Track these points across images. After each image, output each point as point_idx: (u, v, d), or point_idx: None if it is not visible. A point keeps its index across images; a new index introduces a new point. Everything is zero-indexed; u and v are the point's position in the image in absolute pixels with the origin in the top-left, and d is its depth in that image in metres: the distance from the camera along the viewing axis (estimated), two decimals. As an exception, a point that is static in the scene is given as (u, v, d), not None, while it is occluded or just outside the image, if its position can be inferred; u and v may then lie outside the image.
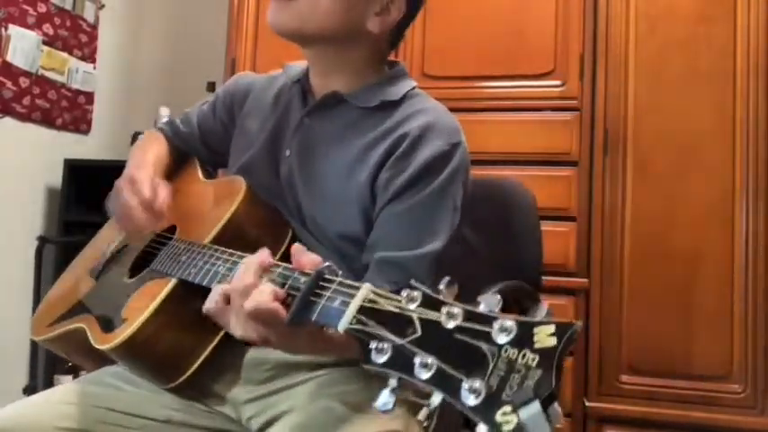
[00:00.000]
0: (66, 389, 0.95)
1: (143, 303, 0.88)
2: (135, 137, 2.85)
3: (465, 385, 0.47)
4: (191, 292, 0.85)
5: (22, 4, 2.46)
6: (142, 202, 0.94)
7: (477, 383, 0.46)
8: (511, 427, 0.44)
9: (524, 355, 0.46)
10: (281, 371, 0.92)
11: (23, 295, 2.38)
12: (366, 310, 0.57)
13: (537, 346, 0.46)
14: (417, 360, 0.50)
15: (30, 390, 2.42)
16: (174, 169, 1.16)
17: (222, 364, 0.92)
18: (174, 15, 3.14)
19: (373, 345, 0.53)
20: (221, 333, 0.89)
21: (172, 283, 0.87)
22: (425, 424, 0.50)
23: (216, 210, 0.96)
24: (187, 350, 0.88)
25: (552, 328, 0.46)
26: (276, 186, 0.99)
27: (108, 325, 0.91)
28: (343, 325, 0.57)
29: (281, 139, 1.03)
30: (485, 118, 2.12)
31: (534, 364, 0.45)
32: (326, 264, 0.65)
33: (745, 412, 1.91)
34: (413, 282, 0.55)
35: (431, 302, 0.53)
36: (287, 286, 0.66)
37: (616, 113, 2.06)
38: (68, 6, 2.69)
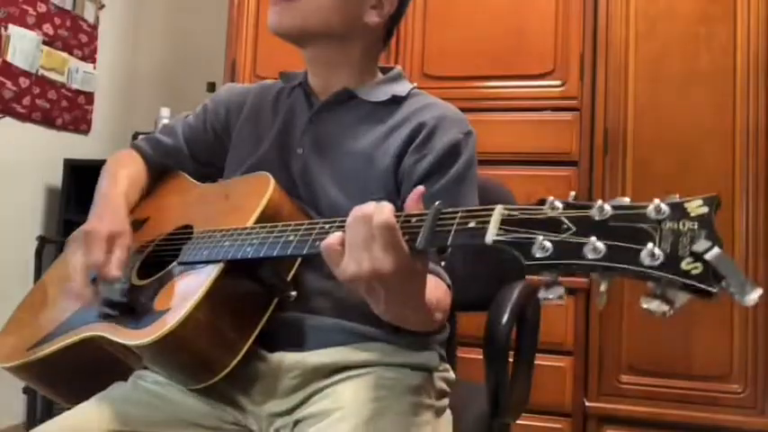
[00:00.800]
0: (100, 409, 0.89)
1: (185, 292, 0.84)
2: (135, 137, 2.84)
3: (644, 251, 0.51)
4: (235, 278, 0.84)
5: (22, 4, 2.46)
6: (91, 266, 0.91)
7: (654, 248, 0.51)
8: (699, 270, 0.49)
9: (684, 224, 0.52)
10: (308, 377, 0.89)
11: (23, 295, 2.37)
12: (508, 222, 0.60)
13: (692, 214, 0.52)
14: (585, 245, 0.54)
15: (30, 390, 2.42)
16: (157, 182, 1.14)
17: (247, 373, 0.89)
18: (174, 15, 3.14)
19: (536, 243, 0.56)
20: (261, 324, 0.86)
21: (220, 266, 0.84)
22: (602, 302, 0.56)
23: (245, 201, 0.93)
24: (228, 342, 0.84)
25: (700, 201, 0.52)
26: (289, 182, 1.00)
27: (137, 322, 0.86)
28: (490, 236, 0.59)
29: (290, 139, 1.04)
30: (485, 118, 2.12)
31: (696, 227, 0.51)
32: (438, 202, 0.66)
33: (745, 412, 1.91)
34: (547, 197, 0.59)
35: (575, 206, 0.58)
36: (403, 229, 0.66)
37: (616, 113, 2.07)
38: (68, 6, 2.69)
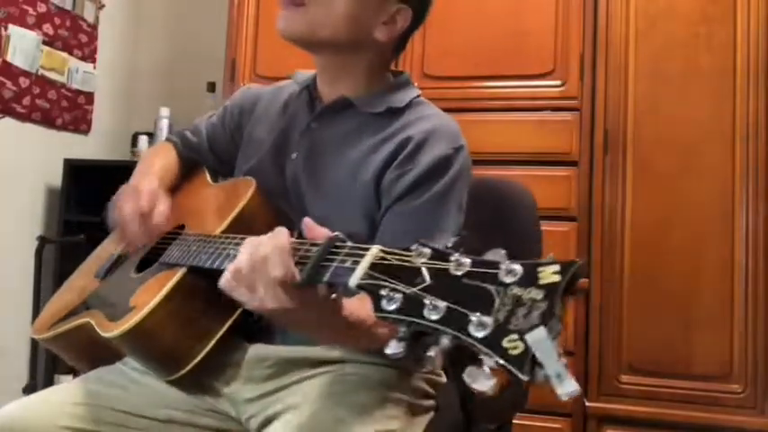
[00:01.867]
0: (68, 388, 0.96)
1: (152, 292, 0.89)
2: (135, 137, 2.85)
3: (473, 319, 0.49)
4: (200, 281, 0.88)
5: (22, 4, 2.46)
6: (140, 213, 0.97)
7: (485, 318, 0.49)
8: (518, 351, 0.46)
9: (530, 292, 0.48)
10: (282, 368, 0.93)
11: (23, 295, 2.38)
12: (377, 267, 0.59)
13: (541, 282, 0.49)
14: (427, 304, 0.52)
15: (30, 390, 2.41)
16: (184, 177, 1.19)
17: (224, 361, 0.93)
18: (174, 15, 3.14)
19: (384, 292, 0.55)
20: (228, 322, 0.90)
21: (181, 271, 0.89)
22: (435, 364, 0.52)
23: (225, 206, 0.97)
24: (193, 339, 0.89)
25: (557, 267, 0.49)
26: (281, 188, 1.01)
27: (114, 315, 0.91)
28: (354, 280, 0.59)
29: (288, 142, 1.05)
30: (485, 118, 2.12)
31: (539, 297, 0.48)
32: (336, 233, 0.67)
33: (745, 412, 1.91)
34: (422, 240, 0.57)
35: (440, 255, 0.56)
36: (299, 255, 0.68)
37: (616, 113, 2.06)
38: (68, 6, 2.69)
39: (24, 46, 2.47)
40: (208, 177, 1.17)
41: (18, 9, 2.45)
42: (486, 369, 0.48)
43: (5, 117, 2.43)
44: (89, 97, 2.84)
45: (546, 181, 2.07)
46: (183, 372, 0.89)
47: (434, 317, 0.51)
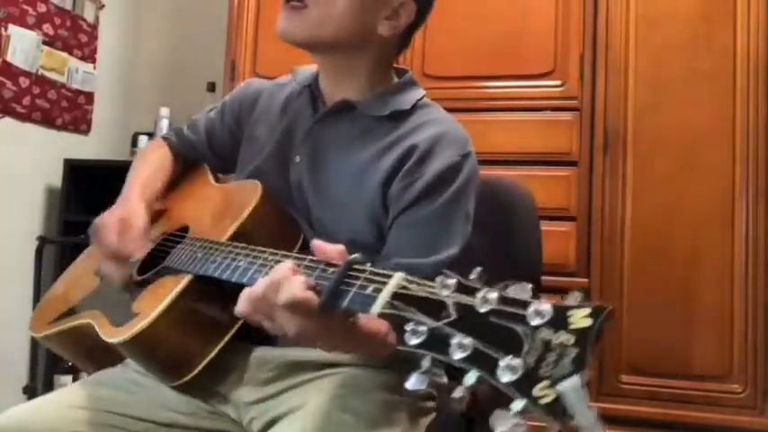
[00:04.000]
0: (72, 391, 0.95)
1: (157, 298, 0.88)
2: (135, 137, 2.85)
3: (502, 363, 0.48)
4: (205, 289, 0.87)
5: (22, 4, 2.46)
6: (111, 252, 0.97)
7: (515, 361, 0.47)
8: (549, 400, 0.45)
9: (559, 336, 0.47)
10: (285, 371, 0.92)
11: (23, 295, 2.38)
12: (399, 296, 0.58)
13: (572, 327, 0.47)
14: (453, 341, 0.51)
15: (30, 390, 2.42)
16: (183, 175, 1.18)
17: (227, 364, 0.93)
18: (174, 15, 3.14)
19: (409, 327, 0.54)
20: (232, 330, 0.89)
21: (187, 278, 0.88)
22: (460, 404, 0.51)
23: (231, 210, 0.96)
24: (198, 346, 0.89)
25: (587, 311, 0.47)
26: (286, 192, 1.00)
27: (118, 320, 0.91)
28: (376, 309, 0.58)
29: (290, 145, 1.03)
30: (485, 118, 2.12)
31: (570, 343, 0.47)
32: (355, 255, 0.66)
33: (745, 412, 1.91)
34: (446, 271, 0.56)
35: (465, 288, 0.54)
36: (314, 277, 0.67)
37: (616, 113, 2.06)
38: (68, 6, 2.68)
39: (24, 46, 2.47)
40: (210, 177, 1.16)
41: (18, 9, 2.45)
42: (513, 413, 0.47)
43: (5, 117, 2.43)
44: (89, 97, 2.84)
45: (546, 181, 2.07)
46: (186, 378, 0.88)
47: (461, 355, 0.50)
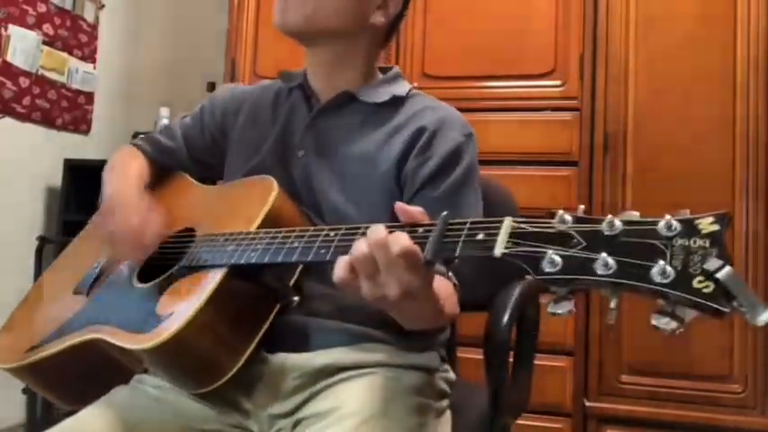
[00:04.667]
0: (101, 415, 0.89)
1: (189, 296, 0.84)
2: (135, 137, 2.83)
3: (655, 269, 0.51)
4: (240, 283, 0.84)
5: (22, 4, 2.46)
6: (132, 231, 0.94)
7: (665, 266, 0.51)
8: (711, 289, 0.50)
9: (695, 241, 0.52)
10: (310, 378, 0.89)
11: (23, 295, 2.37)
12: (517, 235, 0.60)
13: (704, 232, 0.52)
14: (596, 261, 0.54)
15: (30, 390, 2.41)
16: (158, 183, 1.14)
17: (248, 374, 0.89)
18: (174, 15, 3.14)
19: (545, 257, 0.56)
20: (265, 326, 0.86)
21: (224, 271, 0.83)
22: (613, 319, 0.56)
23: (248, 205, 0.93)
24: (234, 344, 0.84)
25: (711, 218, 0.52)
26: (290, 186, 0.99)
27: (139, 326, 0.85)
28: (499, 249, 0.59)
29: (289, 143, 1.03)
30: (485, 118, 2.12)
31: (707, 245, 0.51)
32: (446, 212, 0.66)
33: (745, 412, 1.91)
34: (557, 210, 0.59)
35: (584, 220, 0.57)
36: (413, 236, 0.66)
37: (616, 113, 2.06)
38: (68, 6, 2.69)
39: (24, 46, 2.47)
40: (194, 182, 1.12)
41: (18, 9, 2.45)
42: (670, 311, 0.51)
43: (5, 117, 2.43)
44: (89, 97, 2.84)
45: (546, 181, 2.07)
46: (220, 382, 0.84)
47: (606, 272, 0.53)
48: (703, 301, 0.50)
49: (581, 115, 2.09)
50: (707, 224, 0.52)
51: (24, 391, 2.41)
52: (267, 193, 0.92)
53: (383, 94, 1.02)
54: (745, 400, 1.92)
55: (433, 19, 2.24)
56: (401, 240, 0.65)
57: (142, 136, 1.21)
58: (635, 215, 0.56)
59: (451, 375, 1.02)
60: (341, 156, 0.99)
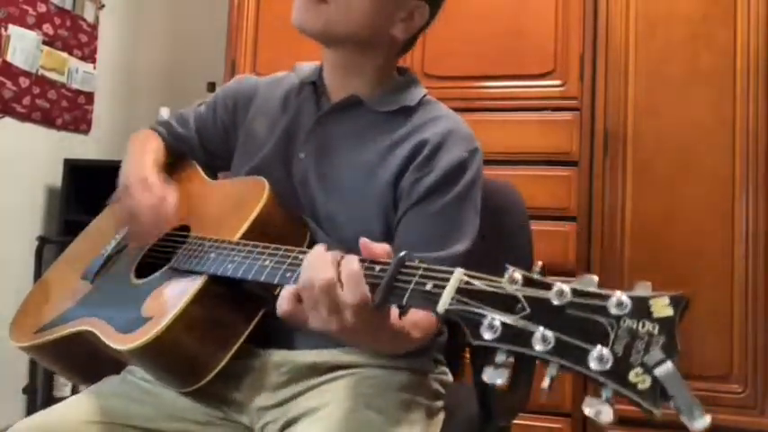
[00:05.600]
0: (82, 404, 0.91)
1: (169, 301, 0.86)
2: (135, 137, 2.84)
3: (593, 353, 0.48)
4: (220, 290, 0.85)
5: (22, 4, 2.46)
6: (152, 205, 0.96)
7: (605, 350, 0.48)
8: (646, 385, 0.47)
9: (644, 325, 0.48)
10: (299, 374, 0.91)
11: (23, 295, 2.37)
12: (464, 291, 0.58)
13: (655, 316, 0.48)
14: (534, 334, 0.51)
15: (30, 390, 2.42)
16: (171, 170, 1.14)
17: (239, 369, 0.90)
18: (174, 15, 3.14)
19: (483, 320, 0.54)
20: (246, 333, 0.88)
21: (202, 279, 0.85)
22: (546, 391, 0.51)
23: (239, 209, 0.94)
24: (212, 350, 0.86)
25: (667, 300, 0.49)
26: (289, 188, 0.99)
27: (124, 325, 0.87)
28: (442, 305, 0.58)
29: (294, 141, 1.03)
30: (485, 118, 2.12)
31: (656, 331, 0.48)
32: (404, 252, 0.65)
33: (745, 412, 1.91)
34: (509, 267, 0.56)
35: (534, 282, 0.55)
36: (366, 276, 0.66)
37: (616, 113, 2.07)
38: (68, 6, 2.69)
39: (24, 46, 2.47)
40: (202, 173, 1.12)
41: (18, 9, 2.45)
42: (604, 399, 0.49)
43: (5, 117, 2.43)
44: (89, 97, 2.84)
45: (546, 181, 2.07)
46: (200, 384, 0.86)
47: (544, 348, 0.51)
48: (635, 398, 0.48)
49: (581, 115, 2.09)
50: (660, 306, 0.49)
51: (24, 390, 2.41)
52: (258, 196, 0.93)
53: (392, 103, 1.00)
54: (745, 400, 1.92)
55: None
56: (353, 287, 0.64)
57: (159, 120, 1.23)
58: (592, 281, 0.53)
59: (448, 378, 1.02)
60: (340, 163, 0.98)
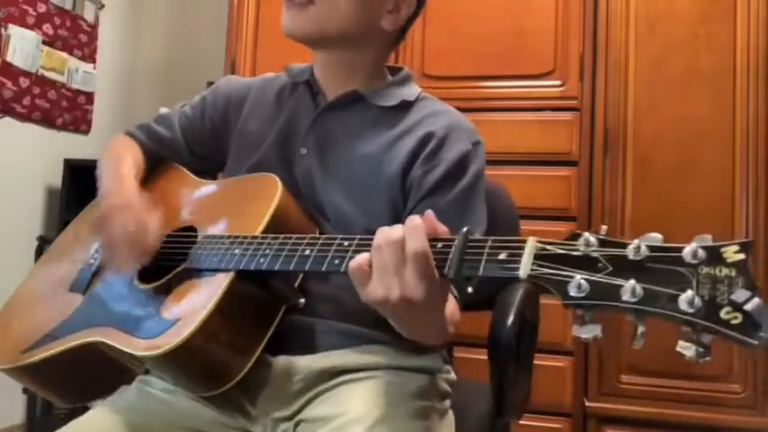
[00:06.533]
0: (102, 418, 0.88)
1: (197, 300, 0.83)
2: (135, 137, 2.84)
3: (682, 297, 0.52)
4: (247, 286, 0.84)
5: (22, 4, 2.46)
6: (131, 236, 0.91)
7: (693, 295, 0.52)
8: (738, 320, 0.50)
9: (720, 270, 0.52)
10: (313, 380, 0.89)
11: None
12: (542, 257, 0.60)
13: (729, 261, 0.52)
14: (623, 287, 0.54)
15: (29, 390, 2.41)
16: (153, 174, 1.12)
17: (253, 377, 0.88)
18: (174, 15, 3.14)
19: (572, 282, 0.56)
20: (272, 328, 0.86)
21: (231, 275, 0.82)
22: (638, 347, 0.56)
23: (253, 205, 0.92)
24: (243, 348, 0.84)
25: (737, 246, 0.53)
26: (291, 184, 0.98)
27: (147, 331, 0.84)
28: (524, 271, 0.59)
29: (293, 138, 1.02)
30: (485, 118, 2.11)
31: (733, 274, 0.52)
32: (466, 228, 0.65)
33: (745, 412, 1.91)
34: (579, 231, 0.59)
35: (610, 243, 0.58)
36: (432, 252, 0.66)
37: (616, 113, 2.06)
38: (68, 6, 2.69)
39: (24, 46, 2.47)
40: (191, 175, 1.10)
41: (18, 9, 2.45)
42: (704, 339, 0.52)
43: (5, 117, 2.43)
44: (89, 97, 2.84)
45: (546, 181, 2.07)
46: (229, 385, 0.83)
47: (634, 299, 0.53)
48: (733, 333, 0.50)
49: (581, 115, 2.09)
50: (732, 252, 0.52)
51: (24, 390, 2.41)
52: (272, 192, 0.91)
53: (392, 98, 1.01)
54: (745, 400, 1.92)
55: (434, 18, 2.24)
56: (417, 241, 0.64)
57: (137, 124, 1.18)
58: (658, 238, 0.56)
59: (453, 376, 1.02)
60: (345, 157, 0.98)
